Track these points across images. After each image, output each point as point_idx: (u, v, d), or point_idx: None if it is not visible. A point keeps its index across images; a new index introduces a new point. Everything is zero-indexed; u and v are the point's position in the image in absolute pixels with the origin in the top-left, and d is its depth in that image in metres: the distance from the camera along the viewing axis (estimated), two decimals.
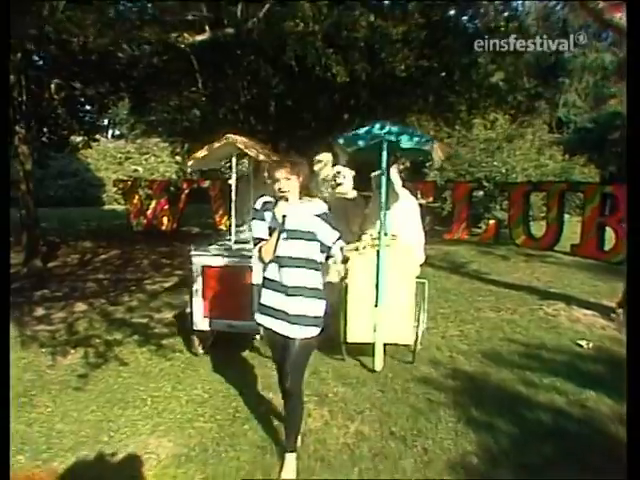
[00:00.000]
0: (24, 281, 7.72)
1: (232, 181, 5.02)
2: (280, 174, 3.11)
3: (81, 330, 5.55)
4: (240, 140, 4.83)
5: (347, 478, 3.01)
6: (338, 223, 3.28)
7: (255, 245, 3.22)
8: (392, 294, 4.51)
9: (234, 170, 4.94)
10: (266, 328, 3.18)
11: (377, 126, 4.63)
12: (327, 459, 3.20)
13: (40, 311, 6.23)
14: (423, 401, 3.81)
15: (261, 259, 3.19)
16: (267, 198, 3.24)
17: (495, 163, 13.96)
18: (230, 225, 5.05)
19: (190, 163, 5.43)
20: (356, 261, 4.65)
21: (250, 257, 4.49)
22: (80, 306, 6.40)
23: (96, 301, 6.62)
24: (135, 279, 7.88)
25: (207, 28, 4.13)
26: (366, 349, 4.51)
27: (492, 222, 11.63)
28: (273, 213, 3.10)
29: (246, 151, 4.75)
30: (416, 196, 7.38)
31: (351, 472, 3.06)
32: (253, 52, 5.98)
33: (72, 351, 4.96)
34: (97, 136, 13.48)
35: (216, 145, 4.79)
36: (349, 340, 4.56)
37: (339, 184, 6.25)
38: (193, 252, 4.77)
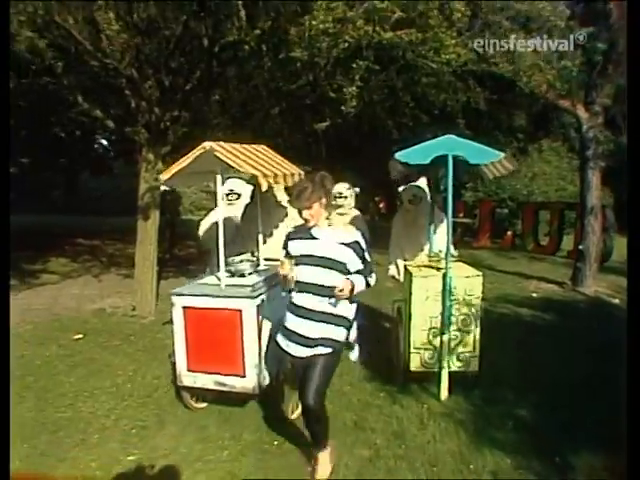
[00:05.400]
0: (174, 261, 12.20)
1: (219, 203, 4.51)
2: (300, 205, 3.30)
3: None
4: (221, 149, 4.12)
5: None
6: None
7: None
8: (458, 319, 4.61)
9: (218, 189, 4.40)
10: (284, 351, 3.47)
11: (443, 140, 4.54)
12: None
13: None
14: None
15: (282, 286, 3.50)
16: (293, 229, 3.57)
17: (517, 186, 17.98)
18: (218, 257, 4.43)
19: (164, 178, 4.33)
20: (419, 283, 4.64)
21: (241, 297, 4.09)
22: None
23: None
24: None
25: (328, 119, 8.27)
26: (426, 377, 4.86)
27: (509, 233, 15.64)
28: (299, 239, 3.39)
29: (229, 163, 4.07)
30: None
31: None
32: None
33: None
34: None
35: (193, 156, 4.15)
36: (412, 369, 4.71)
37: (339, 205, 6.24)
38: (174, 291, 4.35)
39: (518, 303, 8.37)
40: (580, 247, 9.61)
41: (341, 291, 3.18)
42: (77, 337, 6.70)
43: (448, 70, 6.21)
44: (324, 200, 3.33)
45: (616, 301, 8.69)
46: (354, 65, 5.75)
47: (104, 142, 16.71)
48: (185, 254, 13.69)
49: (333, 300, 3.27)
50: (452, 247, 5.07)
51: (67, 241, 15.25)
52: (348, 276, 3.27)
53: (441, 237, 5.20)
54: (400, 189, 6.14)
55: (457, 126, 9.11)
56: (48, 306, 8.33)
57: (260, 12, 6.87)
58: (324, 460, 3.51)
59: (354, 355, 4.37)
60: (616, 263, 12.24)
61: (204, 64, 7.56)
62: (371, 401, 4.75)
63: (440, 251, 5.03)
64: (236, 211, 6.08)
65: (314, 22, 5.24)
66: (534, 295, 9.08)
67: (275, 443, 4.01)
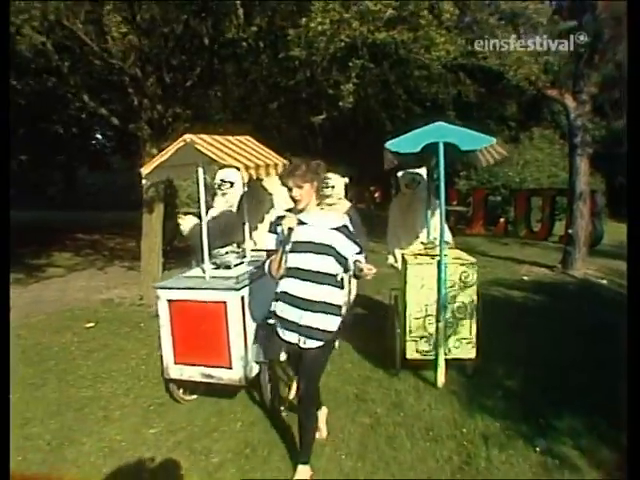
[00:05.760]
0: (175, 253, 12.54)
1: (201, 196, 4.39)
2: (292, 182, 3.19)
3: None
4: (202, 141, 4.18)
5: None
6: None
7: (267, 258, 3.41)
8: (454, 307, 4.65)
9: (201, 182, 4.35)
10: (281, 339, 3.41)
11: (434, 127, 4.57)
12: None
13: None
14: None
15: (270, 274, 3.38)
16: (283, 212, 3.43)
17: (510, 174, 18.35)
18: (202, 250, 4.51)
19: (145, 172, 4.41)
20: (414, 271, 4.67)
21: (226, 289, 4.15)
22: None
23: None
24: None
25: (324, 112, 8.62)
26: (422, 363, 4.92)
27: (502, 220, 16.03)
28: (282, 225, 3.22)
29: (210, 155, 4.11)
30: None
31: None
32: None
33: None
34: None
35: (173, 149, 4.23)
36: (408, 357, 4.76)
37: (327, 195, 5.94)
38: (158, 284, 4.48)
39: (509, 286, 8.74)
40: (569, 231, 10.00)
41: (369, 270, 3.19)
42: (89, 325, 7.05)
43: (439, 64, 6.57)
44: (316, 183, 3.30)
45: (604, 282, 9.09)
46: (350, 64, 6.13)
47: (101, 138, 16.97)
48: (184, 246, 13.99)
49: (323, 286, 3.26)
50: (449, 234, 5.32)
51: (67, 236, 15.54)
52: (359, 257, 3.30)
53: (437, 225, 5.17)
54: (399, 174, 6.14)
55: (449, 117, 9.47)
56: (58, 297, 8.66)
57: (257, 10, 7.20)
58: (302, 473, 3.47)
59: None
60: (607, 247, 12.66)
61: (204, 61, 7.90)
62: (371, 375, 5.13)
63: (435, 238, 5.07)
64: (232, 199, 6.09)
65: (312, 24, 5.59)
66: (525, 278, 9.47)
67: (284, 414, 4.36)
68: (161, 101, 7.85)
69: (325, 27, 5.54)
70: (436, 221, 5.30)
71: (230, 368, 4.20)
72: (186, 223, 6.44)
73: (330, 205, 5.99)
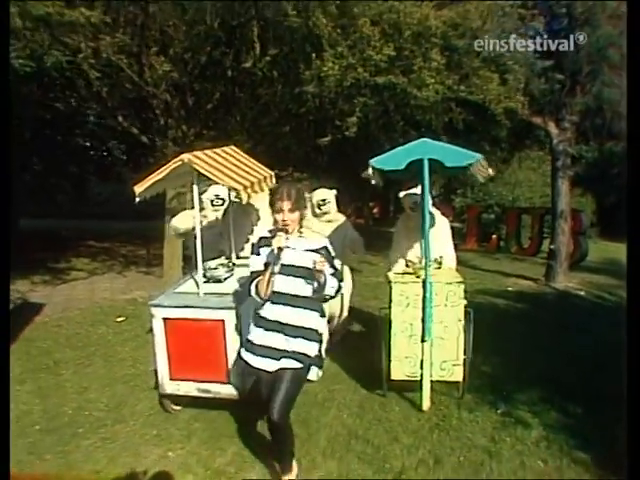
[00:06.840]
0: (185, 261, 13.61)
1: (195, 211, 4.55)
2: (285, 205, 3.25)
3: None
4: (200, 161, 4.25)
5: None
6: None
7: (252, 280, 3.36)
8: (440, 327, 4.61)
9: (195, 198, 4.46)
10: (251, 366, 3.42)
11: (417, 144, 4.51)
12: None
13: None
14: None
15: (257, 295, 3.34)
16: (265, 233, 3.45)
17: (503, 192, 19.52)
18: (196, 263, 4.60)
19: (139, 190, 4.44)
20: (398, 290, 4.68)
21: (222, 308, 4.27)
22: None
23: None
24: None
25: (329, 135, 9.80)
26: (409, 385, 4.97)
27: (494, 237, 17.16)
28: (270, 246, 3.25)
29: (209, 177, 4.25)
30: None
31: None
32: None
33: None
34: None
35: (168, 169, 4.28)
36: (393, 377, 4.80)
37: (325, 212, 6.36)
38: (152, 302, 4.50)
39: (494, 295, 9.82)
40: (552, 247, 11.12)
41: (320, 264, 3.19)
42: (120, 319, 8.10)
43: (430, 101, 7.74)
44: (301, 211, 3.40)
45: (582, 293, 10.19)
46: (355, 101, 7.36)
47: (116, 151, 18.01)
48: (189, 253, 15.11)
49: (304, 310, 3.35)
50: (454, 257, 5.48)
51: (80, 243, 16.49)
52: (333, 280, 3.36)
53: (438, 243, 5.16)
54: (401, 195, 5.97)
55: (443, 140, 10.58)
56: (87, 296, 9.70)
57: (271, 43, 8.37)
58: None
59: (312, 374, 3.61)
60: (591, 263, 13.78)
61: (224, 87, 9.07)
62: (365, 359, 6.02)
63: (441, 256, 5.14)
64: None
65: (324, 68, 6.79)
66: (510, 289, 10.56)
67: None
68: (185, 122, 9.00)
69: (335, 72, 6.73)
70: (438, 239, 5.20)
71: (227, 383, 4.40)
72: (181, 222, 6.36)
73: (329, 222, 6.34)
